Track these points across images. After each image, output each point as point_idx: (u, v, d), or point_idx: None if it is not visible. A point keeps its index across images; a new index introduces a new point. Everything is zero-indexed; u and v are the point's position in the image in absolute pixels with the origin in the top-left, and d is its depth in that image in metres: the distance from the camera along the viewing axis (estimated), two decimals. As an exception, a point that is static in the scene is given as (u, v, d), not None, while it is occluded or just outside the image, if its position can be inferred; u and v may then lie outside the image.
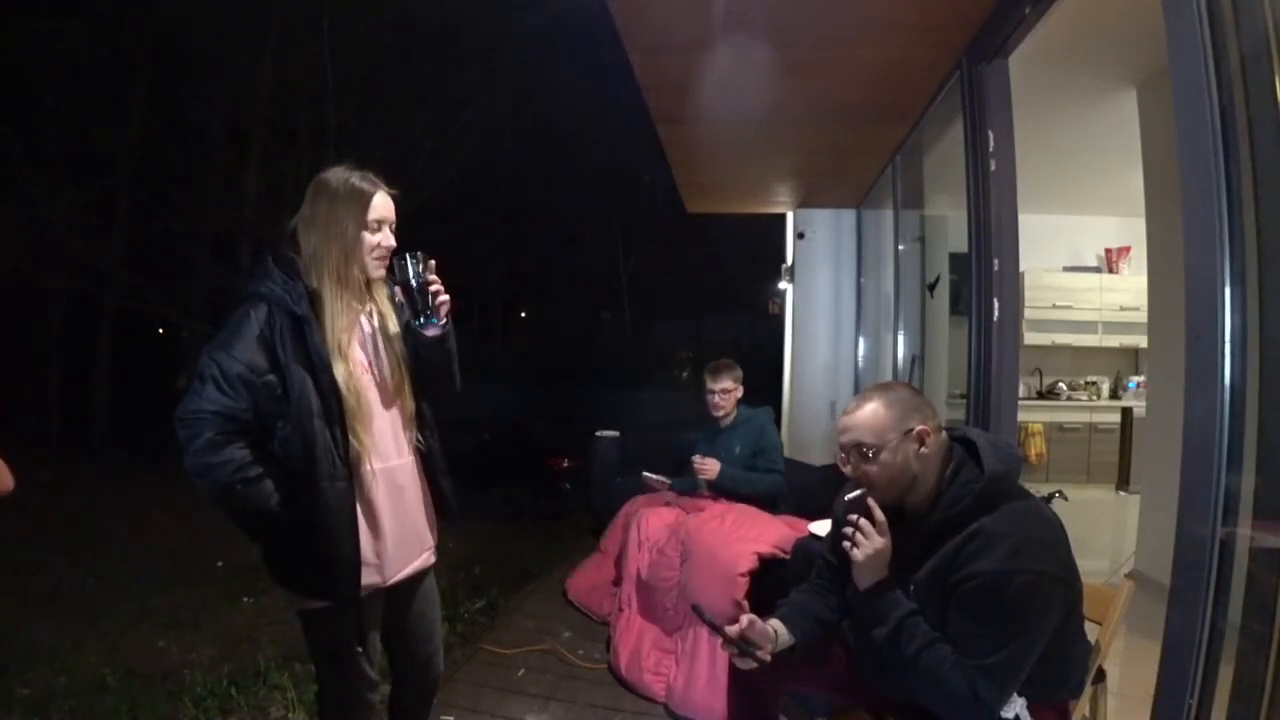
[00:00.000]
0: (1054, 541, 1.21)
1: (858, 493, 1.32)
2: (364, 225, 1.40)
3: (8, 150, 7.66)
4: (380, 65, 9.24)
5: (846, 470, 1.31)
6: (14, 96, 7.98)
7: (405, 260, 1.41)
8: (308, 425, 1.32)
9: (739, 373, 3.09)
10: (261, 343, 1.32)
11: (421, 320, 1.44)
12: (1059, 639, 1.20)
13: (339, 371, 1.35)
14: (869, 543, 1.26)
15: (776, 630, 1.40)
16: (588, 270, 19.29)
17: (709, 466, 2.96)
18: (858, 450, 1.27)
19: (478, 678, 2.47)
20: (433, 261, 1.42)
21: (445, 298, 1.44)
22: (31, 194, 7.78)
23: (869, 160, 3.95)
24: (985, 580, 1.14)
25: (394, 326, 1.49)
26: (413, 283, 1.41)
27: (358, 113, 9.32)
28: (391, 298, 1.52)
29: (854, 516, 1.29)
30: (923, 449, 1.26)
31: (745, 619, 1.38)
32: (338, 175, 1.42)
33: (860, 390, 1.39)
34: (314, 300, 1.37)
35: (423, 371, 1.51)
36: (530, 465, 7.23)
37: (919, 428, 1.25)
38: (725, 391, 3.04)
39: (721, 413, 3.07)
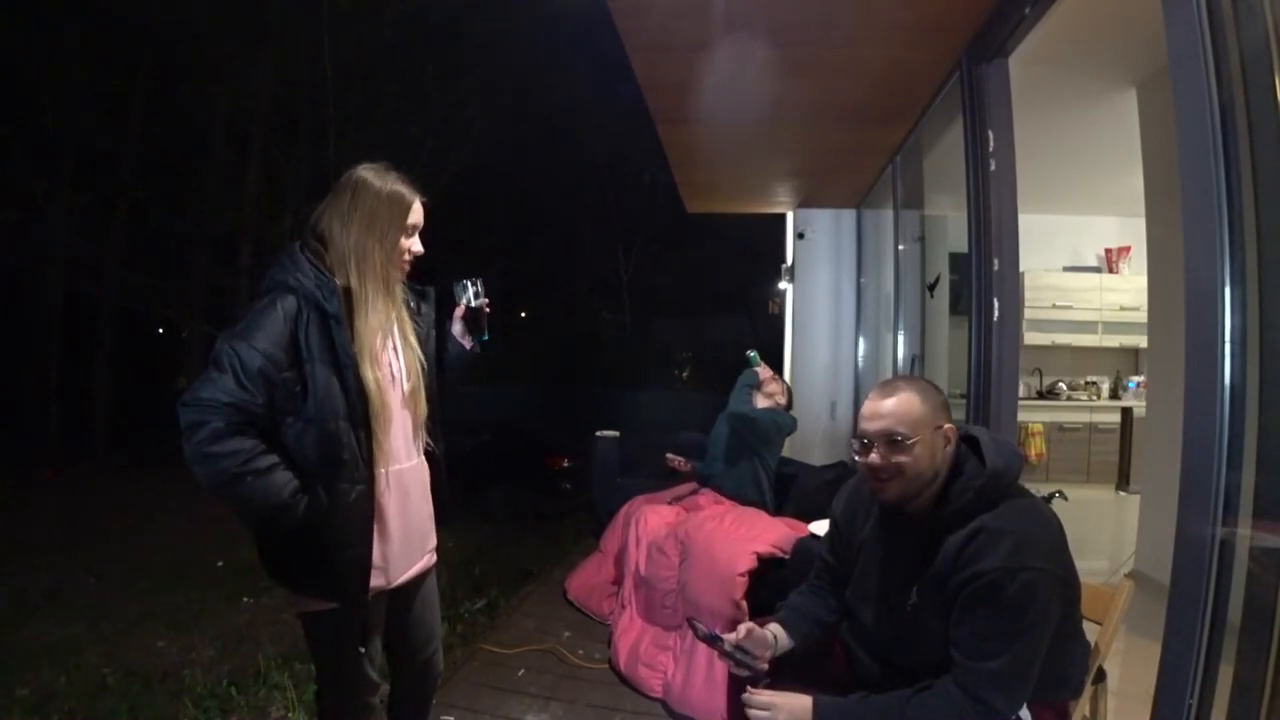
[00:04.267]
0: (1054, 540, 1.20)
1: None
2: (403, 228, 1.42)
3: (8, 150, 7.66)
4: (380, 65, 9.23)
5: (870, 459, 1.24)
6: (14, 96, 7.97)
7: (466, 285, 1.56)
8: (332, 426, 1.30)
9: (784, 387, 3.25)
10: (286, 337, 1.28)
11: (475, 338, 1.59)
12: (1058, 639, 1.20)
13: (368, 373, 1.34)
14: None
15: (776, 635, 1.39)
16: (588, 270, 19.29)
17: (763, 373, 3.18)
18: (888, 439, 1.22)
19: (478, 678, 2.47)
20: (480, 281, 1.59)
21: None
22: (31, 194, 7.78)
23: (869, 160, 3.95)
24: (988, 579, 1.13)
25: (411, 329, 1.49)
26: (474, 305, 1.56)
27: (358, 112, 9.32)
28: (408, 302, 1.51)
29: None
30: (948, 447, 1.25)
31: (743, 628, 1.37)
32: (380, 176, 1.42)
33: (870, 385, 1.37)
34: (344, 297, 1.35)
35: (441, 375, 1.58)
36: (530, 465, 7.23)
37: (946, 425, 1.25)
38: (775, 380, 3.22)
39: (763, 389, 3.20)
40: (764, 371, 3.21)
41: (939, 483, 1.25)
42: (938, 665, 1.19)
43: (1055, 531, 1.22)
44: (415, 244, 1.46)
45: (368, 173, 1.42)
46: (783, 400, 3.21)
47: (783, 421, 3.17)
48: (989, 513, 1.19)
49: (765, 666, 1.34)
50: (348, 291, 1.36)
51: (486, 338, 1.61)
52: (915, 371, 3.59)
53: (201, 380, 1.24)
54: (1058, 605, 1.16)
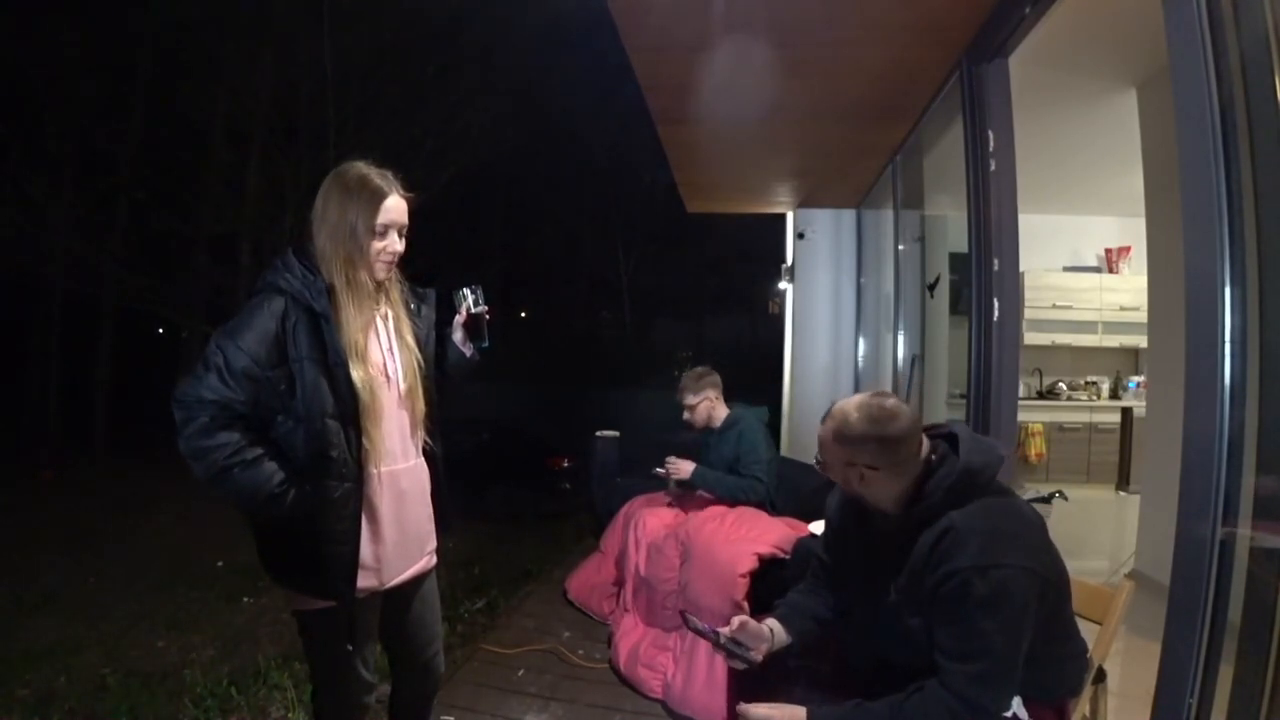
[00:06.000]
0: (1026, 536, 1.19)
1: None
2: (371, 229, 1.37)
3: (8, 150, 7.66)
4: (380, 65, 9.23)
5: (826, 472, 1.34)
6: (14, 96, 7.97)
7: (465, 292, 1.57)
8: (319, 424, 1.31)
9: (707, 380, 3.04)
10: (272, 337, 1.30)
11: (475, 345, 1.61)
12: (1049, 638, 1.20)
13: (356, 371, 1.34)
14: None
15: (774, 630, 1.39)
16: (588, 270, 19.32)
17: (681, 467, 2.94)
18: (817, 459, 1.33)
19: (478, 678, 2.47)
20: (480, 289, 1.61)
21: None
22: (31, 194, 7.78)
23: (869, 160, 3.95)
24: (959, 579, 1.13)
25: (409, 329, 1.49)
26: (475, 312, 1.58)
27: (358, 113, 9.31)
28: (405, 301, 1.51)
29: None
30: (863, 480, 1.25)
31: (736, 620, 1.37)
32: (354, 171, 1.40)
33: (869, 385, 1.37)
34: (331, 297, 1.36)
35: (441, 379, 1.58)
36: (530, 465, 7.23)
37: (862, 465, 1.24)
38: (692, 407, 3.03)
39: (700, 425, 3.05)
40: (689, 418, 3.05)
41: (896, 490, 1.25)
42: (928, 664, 1.19)
43: (1031, 528, 1.21)
44: (392, 243, 1.40)
45: (345, 167, 1.41)
46: (711, 401, 3.02)
47: (752, 438, 2.94)
48: (959, 511, 1.18)
49: (759, 658, 1.34)
50: (333, 290, 1.37)
51: (487, 345, 1.62)
52: (915, 371, 3.59)
53: (190, 378, 1.28)
54: (1036, 601, 1.14)
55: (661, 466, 3.12)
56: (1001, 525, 1.17)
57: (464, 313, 1.59)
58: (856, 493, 1.29)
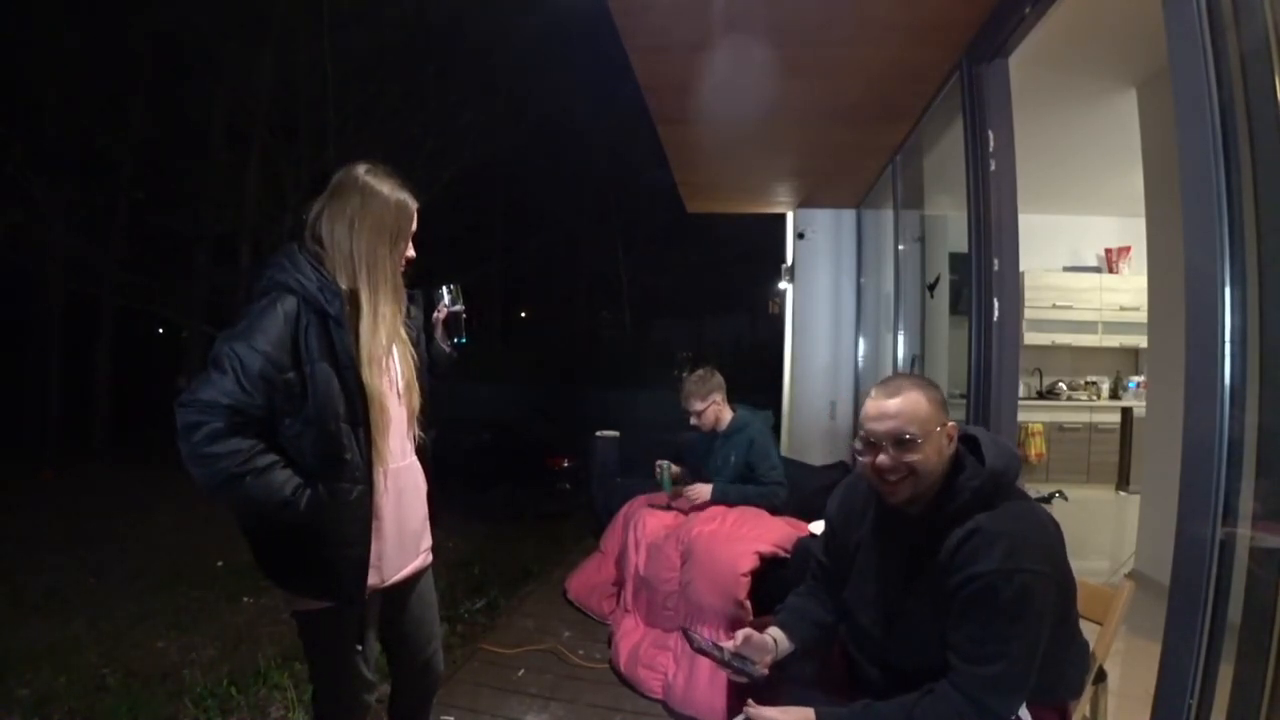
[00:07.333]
0: (1049, 542, 1.20)
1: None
2: (409, 236, 1.45)
3: (8, 150, 7.65)
4: (380, 65, 9.23)
5: (880, 460, 1.22)
6: (14, 96, 7.97)
7: (443, 291, 1.65)
8: (332, 427, 1.30)
9: (712, 383, 3.00)
10: (286, 338, 1.27)
11: (455, 341, 1.69)
12: (1056, 641, 1.20)
13: (368, 375, 1.34)
14: None
15: (775, 638, 1.39)
16: (588, 270, 19.29)
17: (698, 492, 2.90)
18: (897, 439, 1.21)
19: (478, 678, 2.47)
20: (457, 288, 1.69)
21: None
22: (31, 194, 7.78)
23: (869, 160, 3.95)
24: (984, 582, 1.13)
25: (404, 328, 1.51)
26: (454, 310, 1.66)
27: (358, 113, 9.31)
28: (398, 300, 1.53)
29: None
30: (950, 444, 1.25)
31: (740, 635, 1.36)
32: (385, 181, 1.42)
33: (870, 385, 1.35)
34: (352, 301, 1.36)
35: (432, 379, 1.61)
36: (530, 465, 7.23)
37: (949, 424, 1.26)
38: (700, 412, 3.00)
39: (708, 428, 3.03)
40: (698, 422, 3.00)
41: (940, 480, 1.25)
42: (937, 667, 1.19)
43: (1051, 534, 1.21)
44: (410, 248, 1.48)
45: (371, 177, 1.41)
46: (719, 403, 3.00)
47: (763, 445, 2.94)
48: (986, 513, 1.19)
49: (765, 672, 1.33)
50: (352, 295, 1.36)
51: (464, 341, 1.70)
52: (915, 371, 3.59)
53: (201, 381, 1.23)
54: (1053, 608, 1.15)
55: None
56: (1026, 531, 1.18)
57: (442, 310, 1.67)
58: (911, 474, 1.21)
